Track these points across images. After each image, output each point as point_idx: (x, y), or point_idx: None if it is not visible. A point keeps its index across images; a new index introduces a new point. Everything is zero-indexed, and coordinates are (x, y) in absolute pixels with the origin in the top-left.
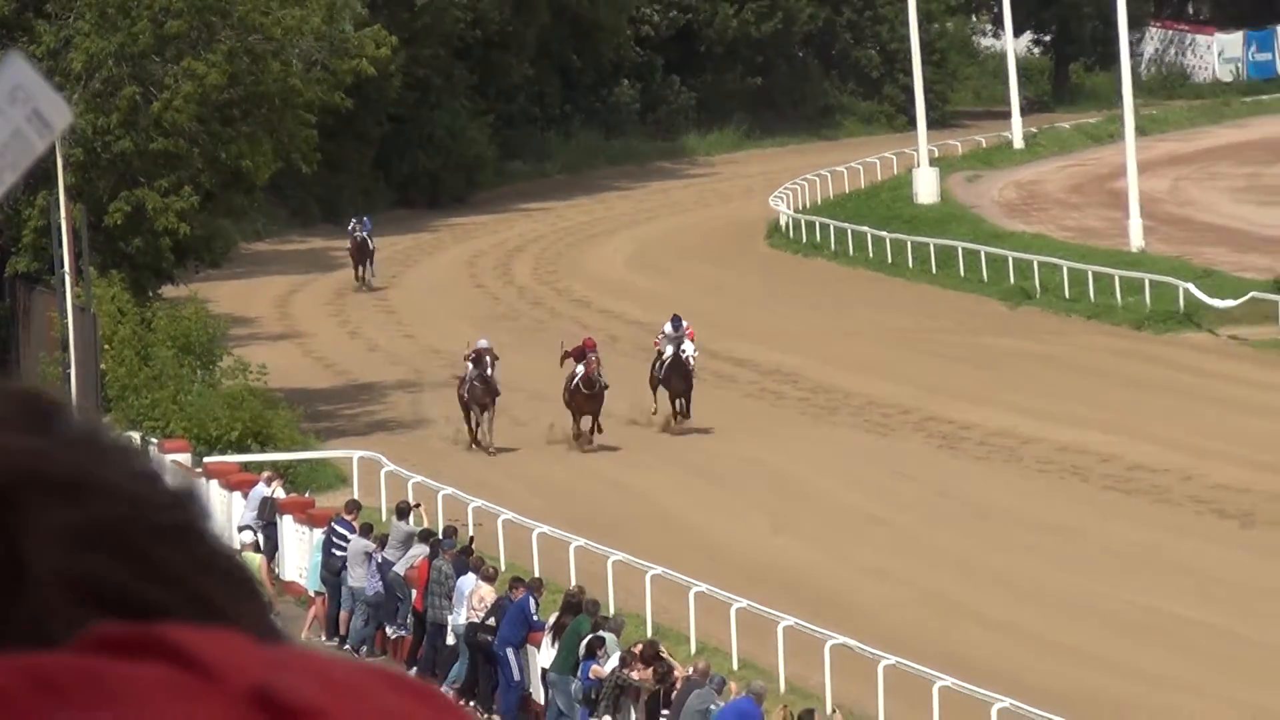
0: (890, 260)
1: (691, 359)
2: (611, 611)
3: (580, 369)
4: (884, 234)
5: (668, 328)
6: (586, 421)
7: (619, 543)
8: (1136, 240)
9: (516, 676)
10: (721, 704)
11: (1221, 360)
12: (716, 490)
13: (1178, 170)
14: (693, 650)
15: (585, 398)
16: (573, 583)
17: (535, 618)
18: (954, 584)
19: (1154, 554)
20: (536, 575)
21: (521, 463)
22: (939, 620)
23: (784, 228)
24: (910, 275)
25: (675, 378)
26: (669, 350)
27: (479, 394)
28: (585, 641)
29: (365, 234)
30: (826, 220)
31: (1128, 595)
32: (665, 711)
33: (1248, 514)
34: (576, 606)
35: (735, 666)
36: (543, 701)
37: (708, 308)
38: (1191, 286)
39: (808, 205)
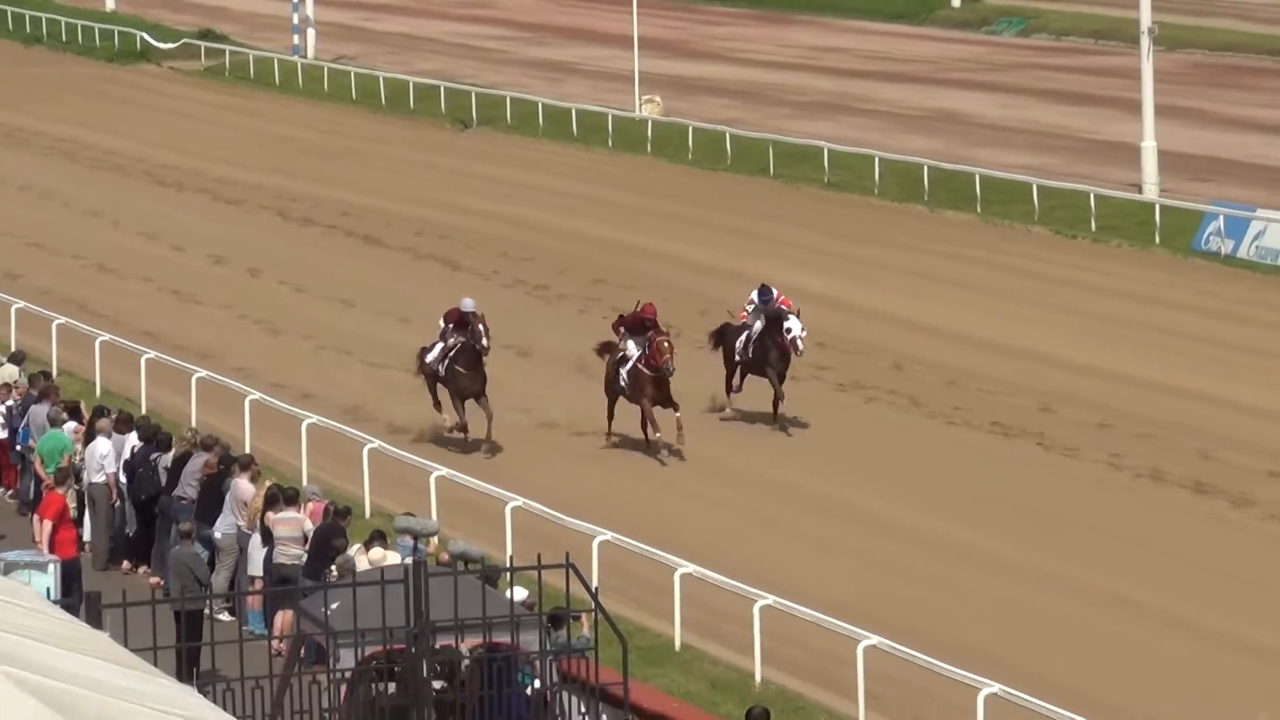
0: None
1: (800, 340)
2: None
3: (632, 344)
4: None
5: (754, 297)
6: (656, 410)
7: None
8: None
9: None
10: None
11: (166, 84)
12: None
13: None
14: None
15: (651, 381)
16: None
17: None
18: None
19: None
20: None
21: None
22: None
23: None
24: None
25: (767, 356)
26: (758, 325)
27: (465, 383)
28: None
29: None
30: None
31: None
32: None
33: (204, 191)
34: None
35: None
36: None
37: None
38: (145, 34)
39: None
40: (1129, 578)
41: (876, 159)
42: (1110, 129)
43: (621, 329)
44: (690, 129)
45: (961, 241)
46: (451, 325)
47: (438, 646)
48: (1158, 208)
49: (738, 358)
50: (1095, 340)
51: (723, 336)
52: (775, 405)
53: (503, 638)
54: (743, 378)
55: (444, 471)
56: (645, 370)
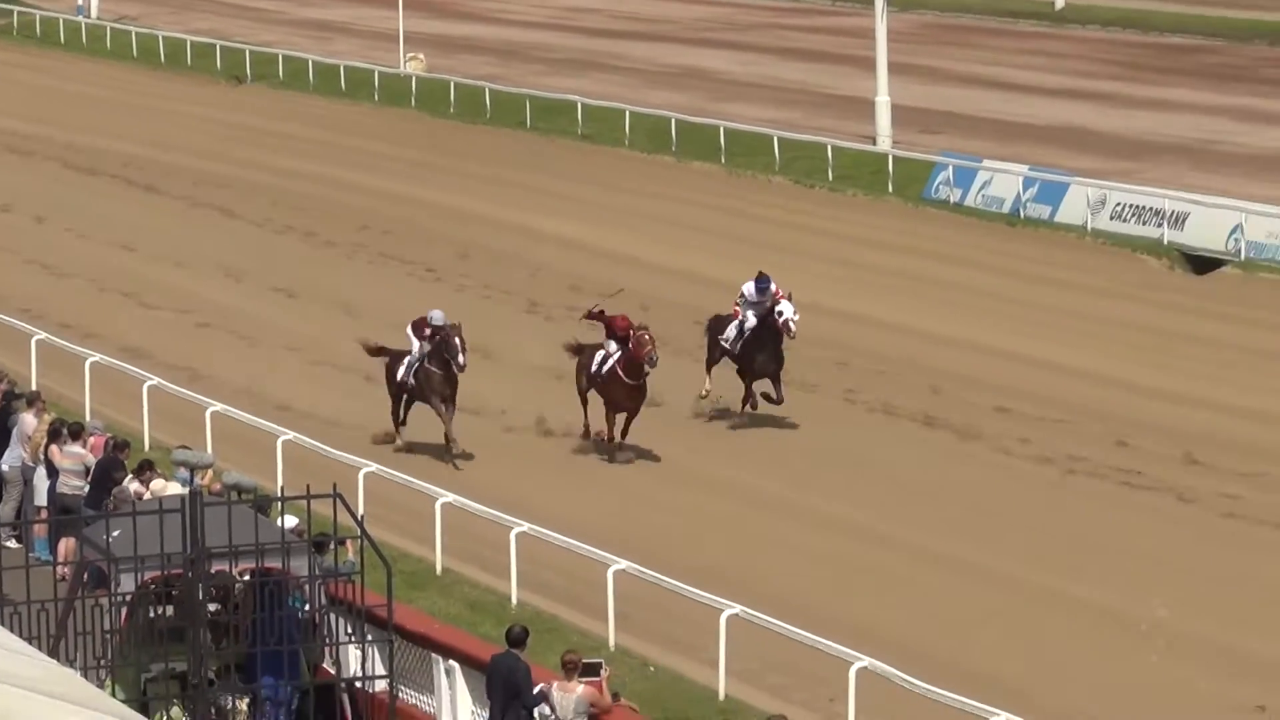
0: None
1: (791, 323)
2: None
3: (614, 346)
4: None
5: (749, 289)
6: (620, 419)
7: None
8: None
9: None
10: None
11: None
12: None
13: None
14: None
15: (627, 389)
16: None
17: None
18: None
19: None
20: None
21: None
22: None
23: None
24: None
25: (761, 353)
26: (752, 319)
27: (438, 383)
28: None
29: None
30: None
31: None
32: None
33: None
34: None
35: None
36: None
37: None
38: None
39: None
40: (862, 506)
41: (627, 113)
42: (847, 85)
43: (597, 322)
44: (452, 84)
45: (707, 190)
46: (424, 340)
47: (213, 571)
48: (891, 158)
49: (726, 346)
50: (832, 283)
51: (712, 326)
52: (748, 399)
53: (274, 563)
54: (721, 364)
55: (218, 407)
56: (625, 379)
